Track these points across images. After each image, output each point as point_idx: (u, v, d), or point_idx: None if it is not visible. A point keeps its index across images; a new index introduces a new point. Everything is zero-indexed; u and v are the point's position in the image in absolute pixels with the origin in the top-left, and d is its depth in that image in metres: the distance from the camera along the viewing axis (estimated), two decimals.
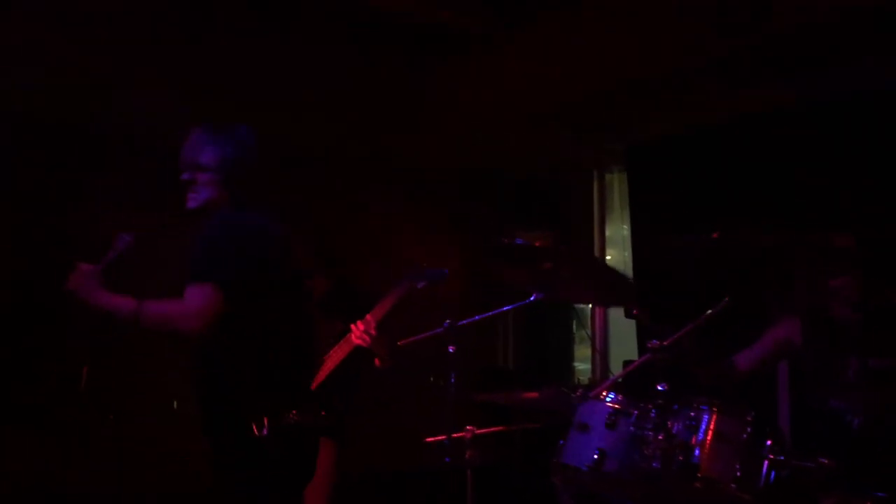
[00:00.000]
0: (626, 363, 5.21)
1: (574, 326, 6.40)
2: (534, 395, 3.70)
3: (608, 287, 3.71)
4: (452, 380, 3.46)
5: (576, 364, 6.47)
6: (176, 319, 2.59)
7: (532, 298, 3.37)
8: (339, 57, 4.53)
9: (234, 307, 2.61)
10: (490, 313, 3.64)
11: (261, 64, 4.47)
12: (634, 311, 5.40)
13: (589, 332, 6.09)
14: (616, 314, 5.93)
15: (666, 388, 2.69)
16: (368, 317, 3.77)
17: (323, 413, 3.94)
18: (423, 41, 4.36)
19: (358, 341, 3.73)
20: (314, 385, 3.87)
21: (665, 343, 2.71)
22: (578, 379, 6.23)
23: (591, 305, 6.12)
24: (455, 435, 3.48)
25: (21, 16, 3.88)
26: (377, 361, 3.90)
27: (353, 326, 3.77)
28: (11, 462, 4.67)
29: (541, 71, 4.54)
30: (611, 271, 3.57)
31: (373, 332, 3.69)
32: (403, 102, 5.03)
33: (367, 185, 5.80)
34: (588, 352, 6.41)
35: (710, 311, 2.81)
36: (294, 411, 2.71)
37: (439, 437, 3.56)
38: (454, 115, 5.17)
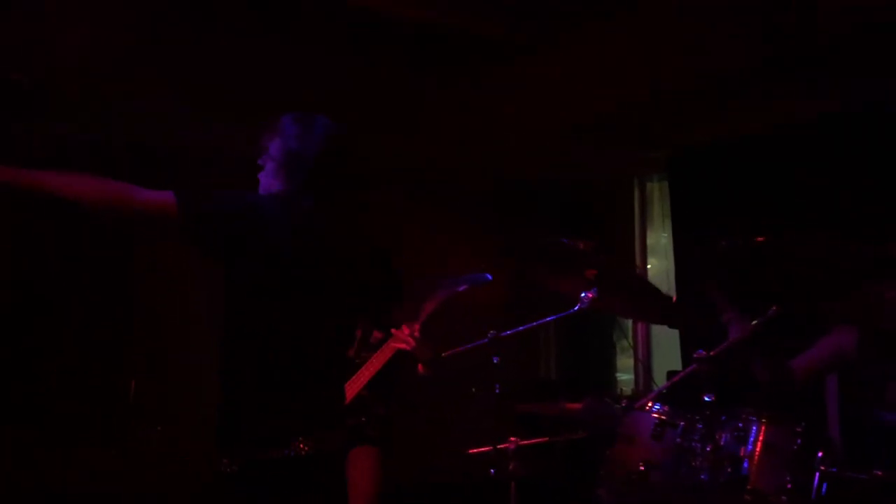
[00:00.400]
0: (670, 374, 5.16)
1: (616, 336, 6.35)
2: (577, 406, 3.69)
3: (648, 303, 3.67)
4: (497, 391, 3.46)
5: (618, 374, 6.41)
6: (127, 196, 2.33)
7: (576, 308, 3.36)
8: (382, 68, 4.56)
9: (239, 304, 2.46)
10: (534, 324, 3.63)
11: (310, 78, 4.51)
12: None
13: (631, 342, 6.03)
14: (658, 326, 5.86)
15: (713, 398, 2.66)
16: (413, 324, 3.77)
17: (363, 419, 3.97)
18: (465, 52, 4.37)
19: (401, 345, 3.71)
20: (351, 395, 3.90)
21: (712, 353, 2.68)
22: (621, 389, 6.17)
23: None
24: (499, 446, 3.47)
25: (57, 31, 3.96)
26: (420, 367, 3.90)
27: (395, 332, 3.77)
28: (61, 473, 4.76)
29: (582, 80, 4.53)
30: (651, 288, 3.50)
31: (417, 335, 3.69)
32: (445, 114, 5.06)
33: (408, 197, 5.83)
34: (630, 362, 6.35)
35: (757, 321, 2.77)
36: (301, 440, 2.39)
37: (483, 449, 3.56)
38: (495, 125, 5.18)
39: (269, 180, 2.67)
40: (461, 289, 3.78)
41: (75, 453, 4.76)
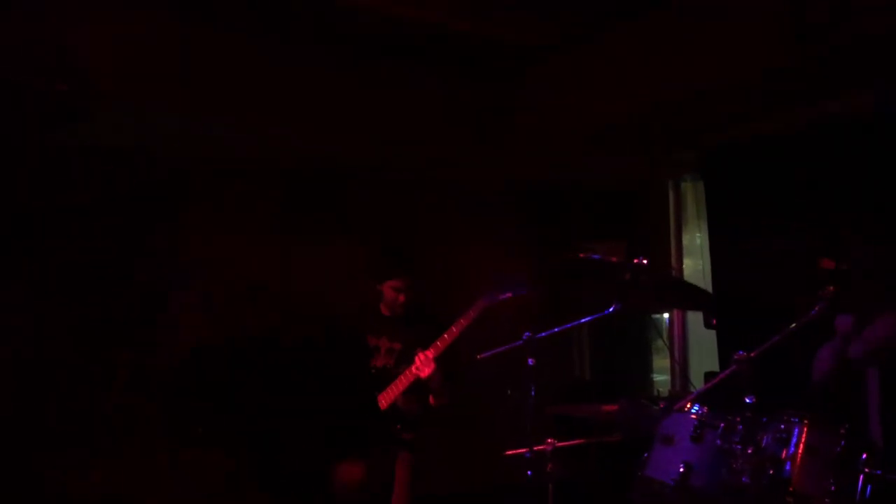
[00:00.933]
0: (708, 375, 5.11)
1: (652, 338, 6.31)
2: (613, 407, 3.66)
3: (685, 296, 3.66)
4: (533, 392, 3.45)
5: (653, 376, 6.36)
6: None
7: (611, 310, 3.34)
8: (413, 78, 4.59)
9: None
10: (569, 325, 3.62)
11: (337, 89, 4.56)
12: (714, 322, 5.32)
13: (667, 343, 5.98)
14: (695, 325, 5.81)
15: (754, 400, 2.63)
16: (429, 352, 3.86)
17: (398, 427, 4.01)
18: (495, 58, 4.39)
19: (417, 373, 3.84)
20: (387, 403, 3.97)
21: (752, 354, 2.65)
22: (658, 391, 6.12)
23: (668, 316, 6.02)
24: (536, 448, 3.46)
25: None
26: (431, 399, 3.97)
27: (416, 358, 3.88)
28: (105, 473, 4.83)
29: (615, 82, 4.51)
30: (687, 285, 3.51)
31: (431, 365, 3.79)
32: (476, 119, 5.07)
33: (442, 203, 5.86)
34: (665, 363, 6.30)
35: (799, 321, 2.73)
36: None
37: (520, 451, 3.55)
38: (529, 129, 5.18)
39: None
40: (501, 298, 3.85)
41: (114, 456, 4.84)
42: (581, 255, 3.50)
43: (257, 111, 4.51)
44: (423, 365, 3.89)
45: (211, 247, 4.78)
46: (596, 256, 3.50)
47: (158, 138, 4.87)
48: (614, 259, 3.33)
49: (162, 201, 5.09)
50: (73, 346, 4.74)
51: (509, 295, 3.92)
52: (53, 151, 4.48)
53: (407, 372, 3.98)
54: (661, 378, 6.32)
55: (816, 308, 2.67)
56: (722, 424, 2.71)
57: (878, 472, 2.52)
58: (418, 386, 3.98)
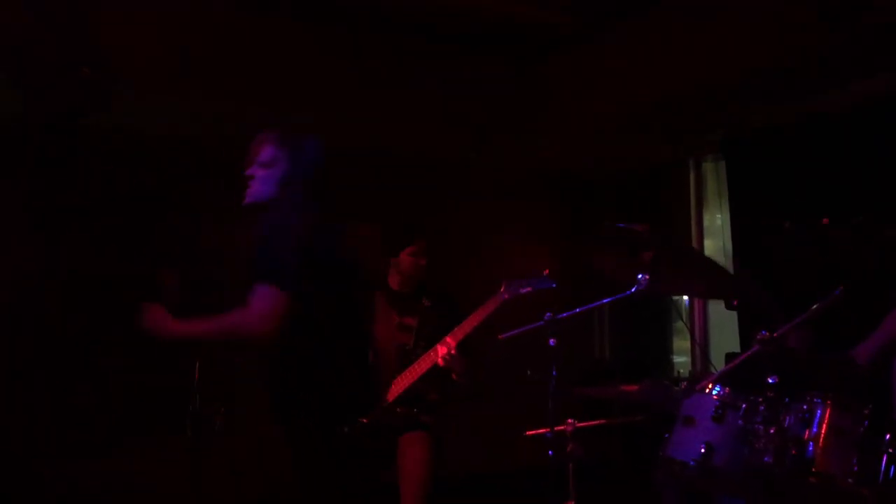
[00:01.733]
0: (729, 356, 5.10)
1: (672, 319, 6.29)
2: (633, 388, 3.67)
3: (708, 278, 3.63)
4: (554, 373, 3.45)
5: (673, 357, 6.36)
6: (244, 326, 2.68)
7: (633, 290, 3.33)
8: (439, 63, 4.58)
9: (296, 306, 2.71)
10: (590, 305, 3.62)
11: (362, 75, 4.56)
12: (734, 303, 5.30)
13: (688, 324, 5.97)
14: (715, 306, 5.80)
15: (776, 380, 2.62)
16: (450, 339, 3.87)
17: (415, 409, 4.03)
18: (520, 42, 4.37)
19: (440, 361, 3.85)
20: (406, 385, 3.98)
21: (775, 335, 2.64)
22: (679, 372, 6.12)
23: (688, 298, 6.01)
24: (557, 428, 3.47)
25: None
26: (454, 376, 3.98)
27: (437, 346, 3.88)
28: (125, 454, 4.90)
29: (639, 66, 4.49)
30: (711, 263, 3.50)
31: (453, 353, 3.81)
32: (500, 104, 5.06)
33: (465, 187, 5.86)
34: (685, 345, 6.29)
35: (821, 303, 2.72)
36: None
37: (541, 431, 3.57)
38: (553, 113, 5.16)
39: (260, 187, 2.92)
40: (523, 290, 3.85)
41: (140, 436, 4.89)
42: (605, 225, 3.46)
43: (286, 97, 4.53)
44: (448, 358, 3.88)
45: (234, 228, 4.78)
46: (621, 224, 3.46)
47: (184, 124, 4.90)
48: (638, 228, 3.30)
49: (185, 187, 5.14)
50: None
51: (530, 289, 3.93)
52: (81, 136, 4.53)
53: (426, 357, 3.99)
54: (681, 360, 6.32)
55: (839, 289, 2.66)
56: (744, 405, 2.70)
57: None
58: (437, 370, 4.00)
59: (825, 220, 2.57)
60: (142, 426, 4.86)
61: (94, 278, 4.97)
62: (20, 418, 4.62)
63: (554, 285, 3.88)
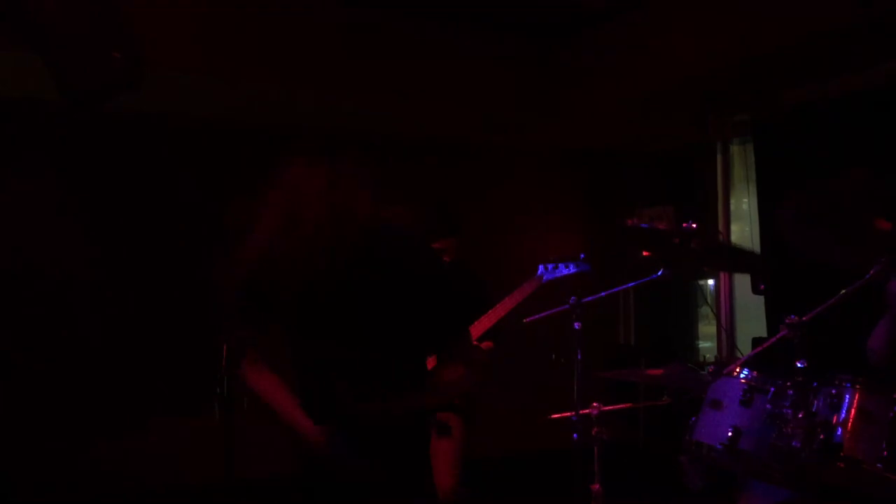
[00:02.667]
0: (755, 340, 5.07)
1: (697, 304, 6.27)
2: (658, 371, 3.66)
3: (736, 258, 3.62)
4: (579, 357, 3.46)
5: (698, 343, 6.33)
6: None
7: (659, 273, 3.33)
8: (465, 43, 4.57)
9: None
10: (615, 289, 3.62)
11: (391, 54, 4.56)
12: (761, 287, 5.27)
13: (714, 308, 5.94)
14: (741, 291, 5.76)
15: (805, 364, 2.61)
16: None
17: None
18: (547, 22, 4.34)
19: None
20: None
21: (804, 319, 2.62)
22: (704, 357, 6.10)
23: (714, 282, 5.98)
24: (582, 411, 3.48)
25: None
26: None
27: None
28: (155, 440, 4.97)
29: (667, 45, 4.44)
30: (735, 247, 3.48)
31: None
32: (531, 85, 5.04)
33: (491, 168, 5.85)
34: (710, 330, 6.27)
35: (853, 286, 2.69)
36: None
37: (566, 414, 3.57)
38: (580, 94, 5.14)
39: None
40: (562, 274, 3.83)
41: (165, 419, 4.96)
42: (629, 223, 3.49)
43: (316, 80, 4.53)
44: None
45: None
46: (644, 225, 3.49)
47: (214, 106, 4.93)
48: (662, 226, 3.31)
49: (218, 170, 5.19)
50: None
51: (568, 273, 3.90)
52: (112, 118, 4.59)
53: None
54: (706, 345, 6.29)
55: (871, 272, 2.63)
56: (772, 389, 2.69)
57: None
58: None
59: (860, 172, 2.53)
60: (171, 407, 4.93)
61: (125, 260, 5.04)
62: (53, 399, 4.70)
63: (589, 268, 3.86)
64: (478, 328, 3.94)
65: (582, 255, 3.95)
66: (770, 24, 4.15)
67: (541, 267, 3.99)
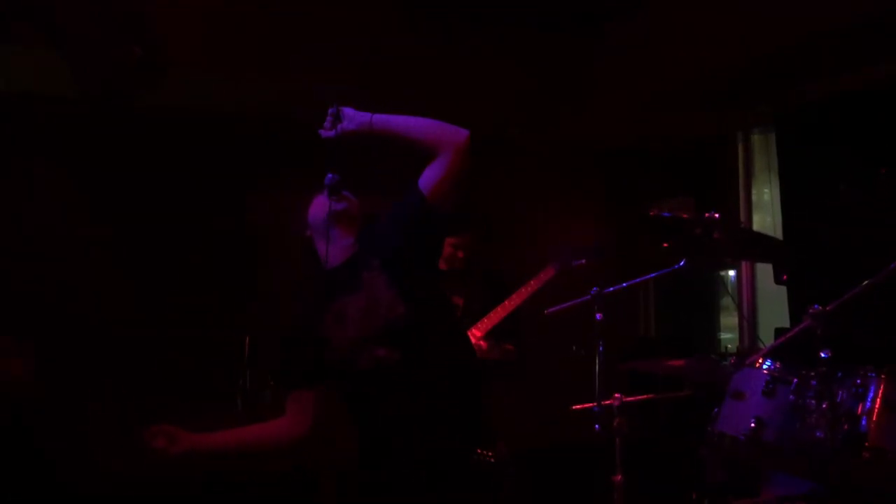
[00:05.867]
0: (778, 331, 5.03)
1: (719, 295, 6.23)
2: (680, 363, 3.65)
3: (758, 248, 3.60)
4: (601, 348, 3.45)
5: (720, 335, 6.29)
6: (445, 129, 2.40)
7: (681, 264, 3.32)
8: (487, 36, 4.55)
9: None
10: (637, 280, 3.61)
11: (407, 48, 4.56)
12: (784, 277, 5.22)
13: (735, 299, 5.90)
14: (763, 282, 5.72)
15: (829, 355, 2.59)
16: (475, 330, 3.86)
17: None
18: (566, 13, 4.31)
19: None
20: None
21: (828, 308, 2.60)
22: (726, 348, 6.06)
23: (735, 273, 5.94)
24: (604, 403, 3.47)
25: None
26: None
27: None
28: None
29: (693, 35, 4.40)
30: (759, 235, 3.46)
31: (482, 345, 3.80)
32: (547, 77, 5.02)
33: (510, 160, 5.83)
34: (731, 321, 6.22)
35: (877, 276, 2.66)
36: None
37: (587, 405, 3.57)
38: (604, 87, 5.10)
39: None
40: (574, 264, 3.82)
41: (188, 410, 4.99)
42: (651, 213, 3.47)
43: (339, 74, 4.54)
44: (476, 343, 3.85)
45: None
46: (666, 214, 3.47)
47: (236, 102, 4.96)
48: (685, 215, 3.29)
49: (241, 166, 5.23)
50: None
51: (583, 262, 3.89)
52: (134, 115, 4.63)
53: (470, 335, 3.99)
54: (727, 336, 6.25)
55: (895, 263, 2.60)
56: (795, 379, 2.68)
57: None
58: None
59: (882, 170, 2.51)
60: (195, 399, 4.97)
61: (149, 253, 5.08)
62: (77, 391, 4.75)
63: (603, 255, 3.84)
64: (493, 318, 3.93)
65: (595, 244, 3.93)
66: (795, 13, 4.10)
67: (553, 258, 3.97)
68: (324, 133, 2.37)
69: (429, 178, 2.35)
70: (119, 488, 4.25)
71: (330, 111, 2.38)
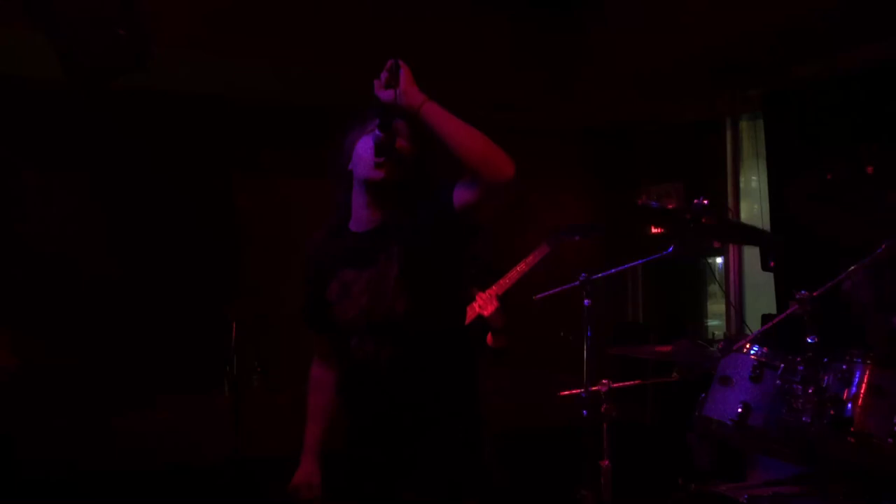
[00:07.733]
0: (765, 317, 5.06)
1: (706, 282, 6.25)
2: (667, 348, 3.66)
3: (746, 234, 3.61)
4: (589, 333, 3.46)
5: (707, 321, 6.32)
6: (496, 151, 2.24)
7: (669, 250, 3.32)
8: (470, 13, 4.52)
9: None
10: (625, 266, 3.61)
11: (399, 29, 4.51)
12: (771, 264, 5.25)
13: (722, 286, 5.92)
14: (750, 268, 5.74)
15: (815, 340, 2.60)
16: (491, 290, 3.82)
17: None
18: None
19: (480, 311, 3.80)
20: None
21: (815, 294, 2.60)
22: (714, 334, 6.09)
23: (723, 259, 5.96)
24: (591, 388, 3.48)
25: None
26: (489, 338, 3.94)
27: (477, 296, 3.84)
28: (165, 417, 4.99)
29: (680, 16, 4.39)
30: (746, 227, 3.46)
31: (495, 303, 3.75)
32: (536, 57, 4.99)
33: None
34: (719, 308, 6.25)
35: (862, 262, 2.68)
36: None
37: (575, 391, 3.58)
38: (588, 66, 5.09)
39: None
40: (567, 239, 3.80)
41: (175, 396, 4.98)
42: (640, 202, 3.48)
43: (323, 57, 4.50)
44: (486, 303, 3.83)
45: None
46: (654, 204, 3.47)
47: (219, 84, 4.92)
48: (671, 205, 3.30)
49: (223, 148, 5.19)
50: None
51: (577, 238, 3.86)
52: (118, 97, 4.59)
53: (468, 310, 3.97)
54: (714, 323, 6.28)
55: (883, 246, 2.61)
56: (782, 364, 2.68)
57: None
58: (478, 325, 3.97)
59: (869, 170, 2.51)
60: (182, 385, 4.95)
61: (133, 237, 5.05)
62: (66, 374, 4.72)
63: (596, 231, 3.82)
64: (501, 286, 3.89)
65: (589, 222, 3.93)
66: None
67: (547, 236, 3.94)
68: (378, 90, 2.21)
69: (461, 195, 2.19)
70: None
71: (388, 65, 2.19)
